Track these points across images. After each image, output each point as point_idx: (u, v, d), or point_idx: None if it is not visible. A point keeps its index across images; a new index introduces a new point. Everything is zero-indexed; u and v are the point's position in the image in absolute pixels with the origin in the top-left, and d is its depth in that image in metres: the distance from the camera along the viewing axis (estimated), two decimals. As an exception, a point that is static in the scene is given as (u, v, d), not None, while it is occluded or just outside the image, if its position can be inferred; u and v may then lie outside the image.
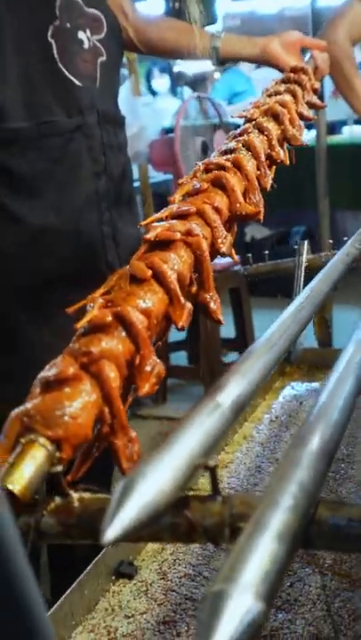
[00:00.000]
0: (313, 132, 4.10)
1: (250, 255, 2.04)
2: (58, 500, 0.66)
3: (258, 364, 0.77)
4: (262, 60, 1.87)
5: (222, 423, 0.64)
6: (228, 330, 4.09)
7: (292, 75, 1.57)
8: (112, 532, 0.49)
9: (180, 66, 8.22)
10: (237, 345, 4.08)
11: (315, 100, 1.57)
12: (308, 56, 1.88)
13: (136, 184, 4.41)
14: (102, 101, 1.72)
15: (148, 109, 4.15)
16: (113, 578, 1.20)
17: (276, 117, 1.31)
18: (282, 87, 1.48)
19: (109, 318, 0.74)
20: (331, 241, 2.03)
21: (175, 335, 3.95)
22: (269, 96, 1.44)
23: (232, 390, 0.69)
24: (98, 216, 1.70)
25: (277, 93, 1.43)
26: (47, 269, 1.64)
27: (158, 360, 0.79)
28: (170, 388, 4.09)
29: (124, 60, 4.85)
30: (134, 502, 0.51)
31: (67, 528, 0.65)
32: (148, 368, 0.77)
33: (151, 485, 0.52)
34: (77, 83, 1.66)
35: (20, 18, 1.59)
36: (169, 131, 4.81)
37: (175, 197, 1.06)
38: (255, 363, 0.76)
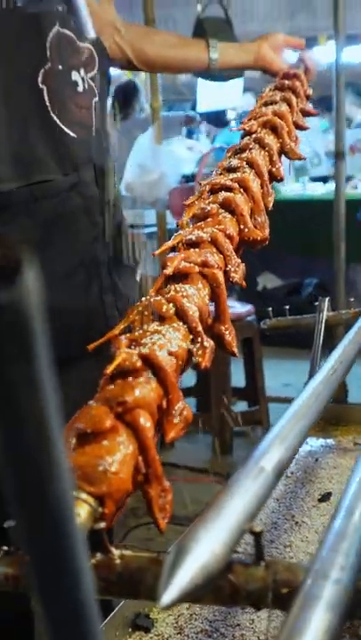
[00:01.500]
0: (331, 186, 4.14)
1: (270, 309, 2.06)
2: (99, 556, 0.67)
3: (296, 429, 0.78)
4: (256, 67, 1.85)
5: (266, 488, 0.65)
6: (237, 379, 4.09)
7: (286, 81, 1.52)
8: (169, 595, 0.50)
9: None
10: (247, 394, 4.09)
11: (308, 107, 1.52)
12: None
13: (153, 229, 4.45)
14: (99, 153, 1.60)
15: (169, 157, 4.20)
16: (130, 630, 1.20)
17: (274, 130, 1.28)
18: (277, 95, 1.43)
19: (139, 363, 0.75)
20: (352, 299, 2.04)
21: (184, 381, 3.96)
22: (265, 105, 1.40)
23: (273, 455, 0.70)
24: (98, 285, 1.58)
25: (273, 102, 1.40)
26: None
27: (185, 404, 0.79)
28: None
29: (148, 108, 4.94)
30: (189, 565, 0.52)
31: (107, 584, 0.66)
32: (175, 412, 0.77)
33: (205, 549, 0.53)
34: (72, 134, 1.52)
35: (7, 63, 1.44)
36: (188, 178, 4.87)
37: (183, 220, 1.04)
38: (293, 427, 0.78)
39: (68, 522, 0.30)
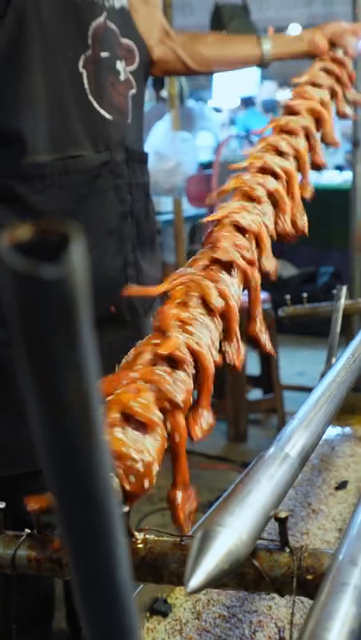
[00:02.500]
0: (348, 174, 4.12)
1: (288, 297, 2.05)
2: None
3: (319, 416, 0.78)
4: (311, 55, 1.80)
5: (291, 474, 0.65)
6: (252, 367, 4.09)
7: (333, 67, 1.52)
8: (196, 580, 0.50)
9: (214, 101, 8.36)
10: (262, 382, 4.08)
11: (354, 95, 1.52)
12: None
13: (170, 217, 4.45)
14: (131, 138, 1.67)
15: (186, 144, 4.19)
16: (147, 615, 1.20)
17: (318, 119, 1.30)
18: (323, 78, 1.44)
19: (189, 358, 0.73)
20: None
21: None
22: (312, 84, 1.41)
23: (298, 441, 0.70)
24: (123, 259, 1.65)
25: (318, 85, 1.40)
26: None
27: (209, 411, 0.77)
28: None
29: (165, 94, 4.92)
30: (215, 551, 0.52)
31: (130, 569, 0.66)
32: (203, 415, 0.75)
33: (231, 534, 0.53)
34: (108, 116, 1.60)
35: (51, 45, 1.52)
36: (205, 166, 4.85)
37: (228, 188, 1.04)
38: (317, 414, 0.77)
39: (109, 510, 0.30)
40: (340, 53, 1.67)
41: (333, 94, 1.43)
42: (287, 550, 0.60)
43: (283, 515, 0.59)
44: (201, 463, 3.70)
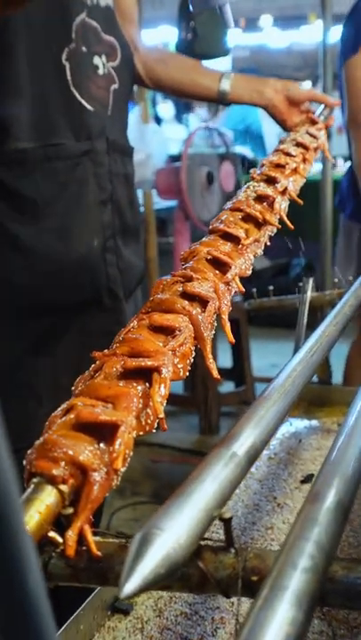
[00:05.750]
0: (319, 166, 4.12)
1: (255, 290, 2.04)
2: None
3: (271, 412, 0.77)
4: (267, 112, 1.91)
5: (238, 473, 0.64)
6: (224, 359, 4.09)
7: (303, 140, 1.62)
8: (131, 585, 0.49)
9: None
10: (234, 375, 4.08)
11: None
12: (320, 108, 1.90)
13: (140, 209, 4.43)
14: (112, 129, 1.71)
15: (156, 136, 4.17)
16: (109, 613, 1.19)
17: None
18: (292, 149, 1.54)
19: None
20: (336, 280, 2.03)
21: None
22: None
23: (247, 439, 0.68)
24: (101, 243, 1.68)
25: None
26: (49, 296, 1.61)
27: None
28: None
29: (135, 88, 4.89)
30: (152, 555, 0.51)
31: (76, 571, 0.65)
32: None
33: (169, 538, 0.52)
34: (89, 107, 1.64)
35: (36, 36, 1.56)
36: (175, 158, 4.83)
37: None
38: (269, 410, 0.76)
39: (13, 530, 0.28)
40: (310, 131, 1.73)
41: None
42: (232, 551, 0.59)
43: (227, 515, 0.57)
44: (173, 456, 3.69)
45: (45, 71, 1.59)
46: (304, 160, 1.51)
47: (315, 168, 5.42)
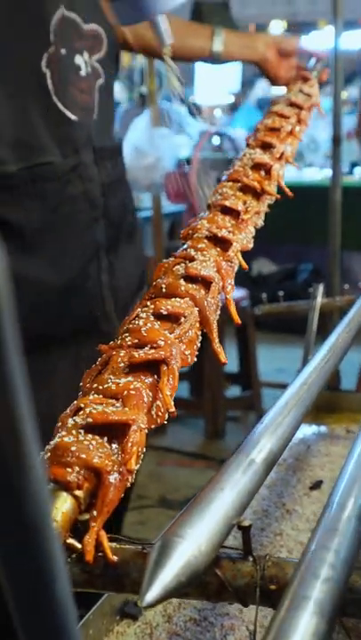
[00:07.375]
0: (327, 172, 4.12)
1: (265, 295, 2.04)
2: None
3: (287, 419, 0.76)
4: (258, 67, 1.85)
5: (256, 481, 0.63)
6: (231, 364, 4.09)
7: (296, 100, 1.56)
8: (152, 594, 0.48)
9: (195, 97, 8.33)
10: (240, 380, 4.08)
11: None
12: (312, 60, 1.87)
13: (148, 213, 4.43)
14: (99, 135, 1.60)
15: (165, 141, 4.17)
16: (117, 618, 1.19)
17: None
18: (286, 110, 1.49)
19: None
20: (346, 286, 2.02)
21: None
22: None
23: (265, 446, 0.68)
24: (97, 265, 1.59)
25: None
26: (43, 326, 1.51)
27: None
28: (169, 419, 4.07)
29: (145, 90, 4.90)
30: (173, 563, 0.50)
31: (91, 577, 0.65)
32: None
33: (189, 546, 0.52)
34: (73, 117, 1.52)
35: (11, 46, 1.43)
36: (184, 162, 4.83)
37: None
38: (285, 417, 0.76)
39: (43, 528, 0.28)
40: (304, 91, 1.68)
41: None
42: (250, 559, 0.59)
43: (246, 523, 0.57)
44: (179, 461, 3.69)
45: (24, 83, 1.46)
46: (299, 121, 1.47)
47: (323, 174, 5.42)
